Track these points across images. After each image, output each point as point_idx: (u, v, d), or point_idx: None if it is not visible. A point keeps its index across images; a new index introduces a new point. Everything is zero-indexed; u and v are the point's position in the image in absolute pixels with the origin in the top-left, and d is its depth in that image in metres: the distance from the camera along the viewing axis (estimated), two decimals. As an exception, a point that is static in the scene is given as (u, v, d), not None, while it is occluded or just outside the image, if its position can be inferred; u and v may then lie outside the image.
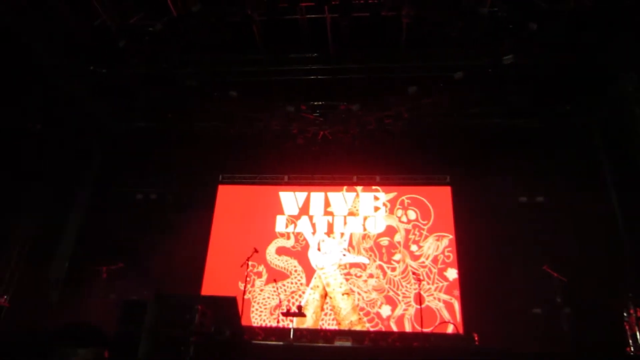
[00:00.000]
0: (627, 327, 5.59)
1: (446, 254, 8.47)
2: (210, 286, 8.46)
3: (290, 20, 8.04)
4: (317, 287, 8.36)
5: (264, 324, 8.23)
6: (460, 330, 7.72)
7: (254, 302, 8.47)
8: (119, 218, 8.70)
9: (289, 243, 8.92)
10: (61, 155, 8.40)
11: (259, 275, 8.69)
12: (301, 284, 8.54)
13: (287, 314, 6.94)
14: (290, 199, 9.36)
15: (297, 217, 9.15)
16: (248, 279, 7.33)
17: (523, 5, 7.31)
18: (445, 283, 8.25)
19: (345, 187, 9.32)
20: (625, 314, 5.66)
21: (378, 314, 8.15)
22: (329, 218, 9.07)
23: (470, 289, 8.00)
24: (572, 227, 7.85)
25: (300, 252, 8.81)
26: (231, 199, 9.47)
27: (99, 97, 9.16)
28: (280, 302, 8.17)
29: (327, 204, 9.24)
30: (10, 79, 7.26)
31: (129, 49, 8.19)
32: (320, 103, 9.19)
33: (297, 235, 8.97)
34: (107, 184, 9.21)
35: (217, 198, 9.41)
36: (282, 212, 9.24)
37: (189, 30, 7.93)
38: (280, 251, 8.87)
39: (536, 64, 7.93)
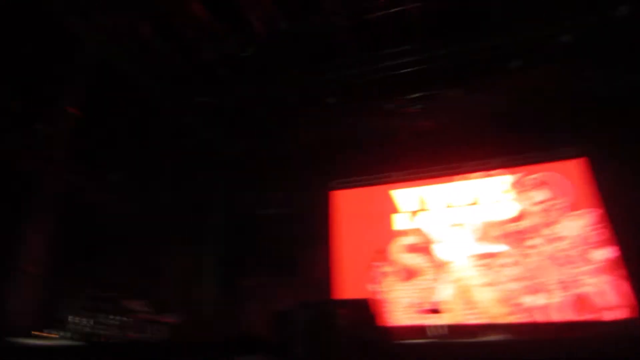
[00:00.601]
0: None
1: (591, 232, 7.64)
2: (342, 291, 8.57)
3: (375, 18, 8.14)
4: (452, 281, 8.18)
5: (401, 324, 8.12)
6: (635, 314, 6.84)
7: (388, 302, 8.42)
8: (249, 237, 9.26)
9: (413, 240, 8.83)
10: (192, 186, 9.16)
11: (389, 275, 8.68)
12: (434, 280, 8.36)
13: (425, 311, 6.87)
14: (406, 195, 9.27)
15: (417, 213, 9.01)
16: (378, 280, 7.35)
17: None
18: (595, 265, 7.44)
19: (462, 176, 8.97)
20: None
21: (520, 305, 7.66)
22: (452, 209, 8.80)
23: (637, 266, 7.05)
24: None
25: (426, 248, 8.64)
26: (346, 204, 9.61)
27: (211, 125, 9.89)
28: (415, 300, 8.11)
29: (446, 195, 8.98)
30: (134, 122, 8.04)
31: (231, 77, 8.80)
32: (420, 94, 9.16)
33: (420, 231, 8.83)
34: (232, 205, 9.84)
35: (332, 205, 9.61)
36: (399, 210, 9.16)
37: (279, 49, 8.36)
38: (406, 249, 8.80)
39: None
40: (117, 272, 6.16)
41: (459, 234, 8.51)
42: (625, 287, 7.10)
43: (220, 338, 5.97)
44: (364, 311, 6.09)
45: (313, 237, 8.96)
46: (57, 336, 4.63)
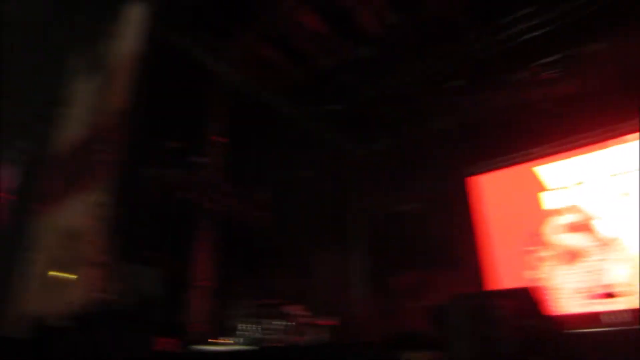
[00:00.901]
0: None
1: None
2: (495, 281, 8.18)
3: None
4: (623, 259, 7.26)
5: (570, 312, 7.41)
6: None
7: (550, 289, 7.75)
8: (392, 235, 9.36)
9: (569, 218, 8.03)
10: (332, 193, 9.60)
11: (545, 259, 8.01)
12: (601, 260, 7.47)
13: (597, 296, 6.21)
14: (553, 170, 8.48)
15: (569, 188, 8.19)
16: (534, 266, 6.83)
17: None
18: None
19: (618, 139, 7.93)
20: None
21: None
22: (611, 179, 7.82)
23: None
24: None
25: (587, 225, 7.79)
26: (487, 189, 9.14)
27: (341, 130, 10.26)
28: (582, 284, 7.35)
29: (601, 164, 8.02)
30: (269, 141, 8.68)
31: (352, 81, 9.03)
32: (555, 57, 8.25)
33: (576, 208, 8.00)
34: (371, 205, 10.06)
35: (472, 191, 9.22)
36: (548, 188, 8.42)
37: (395, 42, 8.32)
38: (564, 229, 8.06)
39: None
40: (274, 281, 6.74)
41: (625, 204, 7.46)
42: None
43: (380, 337, 6.13)
44: (526, 300, 5.73)
45: (457, 227, 8.69)
46: (231, 342, 5.22)
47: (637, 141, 7.71)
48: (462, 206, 9.06)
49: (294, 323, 5.51)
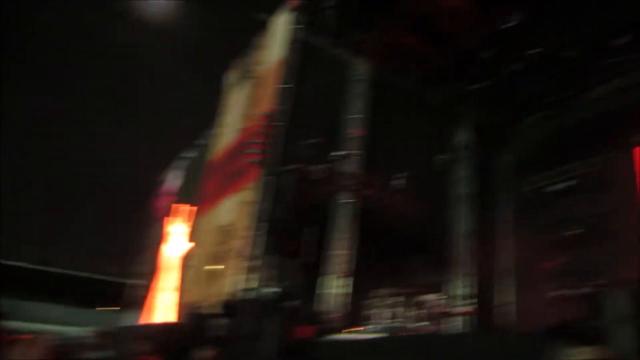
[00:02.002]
0: None
1: None
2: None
3: None
4: None
5: None
6: None
7: None
8: (541, 216, 8.42)
9: None
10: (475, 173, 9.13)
11: None
12: None
13: None
14: None
15: None
16: None
17: None
18: None
19: None
20: None
21: None
22: None
23: None
24: None
25: None
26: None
27: (489, 109, 9.59)
28: None
29: None
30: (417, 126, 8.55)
31: (497, 55, 8.41)
32: None
33: None
34: (520, 186, 9.20)
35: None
36: None
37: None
38: None
39: None
40: (411, 269, 6.63)
41: None
42: None
43: (529, 328, 5.61)
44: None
45: (620, 204, 7.39)
46: (366, 331, 5.34)
47: None
48: (627, 180, 7.64)
49: (428, 312, 5.39)
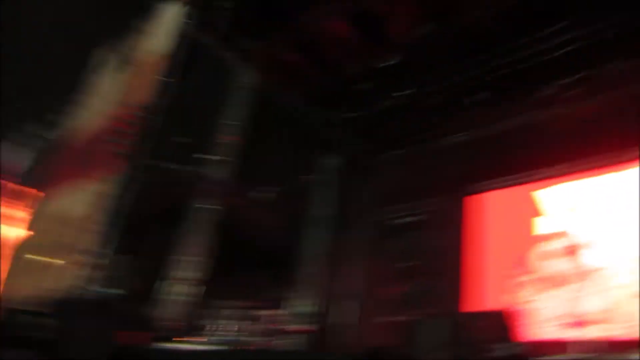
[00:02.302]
0: None
1: None
2: (476, 302, 7.93)
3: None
4: (601, 290, 6.84)
5: (542, 338, 7.10)
6: None
7: (528, 314, 7.50)
8: (387, 246, 9.22)
9: (558, 245, 7.63)
10: (334, 197, 9.57)
11: (529, 284, 7.70)
12: (581, 290, 7.14)
13: (569, 325, 5.92)
14: (552, 195, 8.08)
15: (563, 214, 7.83)
16: (516, 290, 6.56)
17: None
18: None
19: (622, 166, 7.43)
20: None
21: None
22: (606, 208, 7.42)
23: None
24: None
25: (573, 253, 7.42)
26: (486, 208, 8.83)
27: (357, 138, 10.20)
28: (558, 312, 7.01)
29: (601, 191, 7.61)
30: (283, 142, 8.76)
31: (374, 88, 8.98)
32: (578, 76, 7.86)
33: (567, 235, 7.62)
34: (372, 216, 9.95)
35: (471, 209, 8.91)
36: (543, 212, 8.05)
37: (423, 52, 8.22)
38: (549, 255, 7.67)
39: None
40: (261, 283, 6.75)
41: (614, 236, 7.09)
42: None
43: (356, 350, 6.04)
44: (499, 324, 5.49)
45: (447, 244, 8.46)
46: (202, 341, 5.29)
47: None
48: (456, 223, 8.78)
49: (270, 327, 5.52)
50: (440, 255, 8.35)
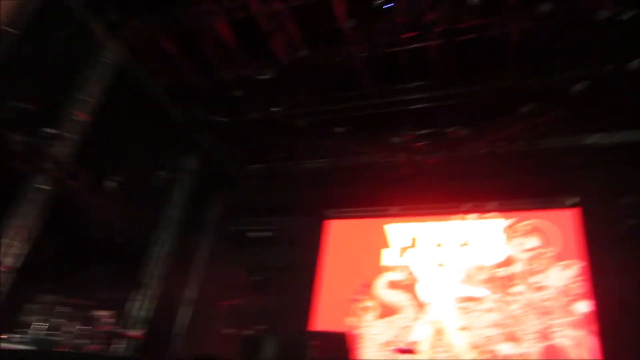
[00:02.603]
0: None
1: (575, 284, 7.57)
2: (320, 322, 8.48)
3: (393, 53, 8.19)
4: (430, 322, 7.94)
5: None
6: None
7: (363, 338, 8.28)
8: (236, 257, 9.26)
9: (399, 276, 8.66)
10: (188, 200, 9.24)
11: (368, 310, 8.50)
12: (413, 319, 8.18)
13: (399, 350, 6.67)
14: (398, 231, 9.15)
15: (406, 250, 8.88)
16: (358, 314, 7.20)
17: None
18: (575, 317, 7.37)
19: (457, 216, 8.86)
20: None
21: (496, 352, 7.50)
22: (441, 249, 8.68)
23: (609, 323, 7.03)
24: None
25: (410, 286, 8.49)
26: (339, 234, 9.53)
27: (220, 144, 10.04)
28: (391, 338, 7.88)
29: (437, 234, 8.86)
30: (141, 132, 8.20)
31: (244, 98, 8.93)
32: (428, 131, 9.06)
33: (407, 269, 8.69)
34: (226, 225, 9.90)
35: (325, 233, 9.53)
36: (390, 245, 9.04)
37: (296, 74, 8.45)
38: (390, 285, 8.63)
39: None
40: (92, 280, 6.16)
41: (445, 274, 8.37)
42: (596, 343, 7.07)
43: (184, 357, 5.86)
44: (337, 345, 5.94)
45: (301, 263, 8.88)
46: (15, 339, 4.63)
47: (473, 221, 8.69)
48: (312, 245, 9.29)
49: (96, 330, 5.06)
50: (291, 273, 8.61)
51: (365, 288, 7.04)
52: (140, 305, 7.35)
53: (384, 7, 6.91)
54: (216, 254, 9.39)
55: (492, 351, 7.52)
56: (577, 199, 8.17)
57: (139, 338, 5.73)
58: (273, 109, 9.12)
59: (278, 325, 7.26)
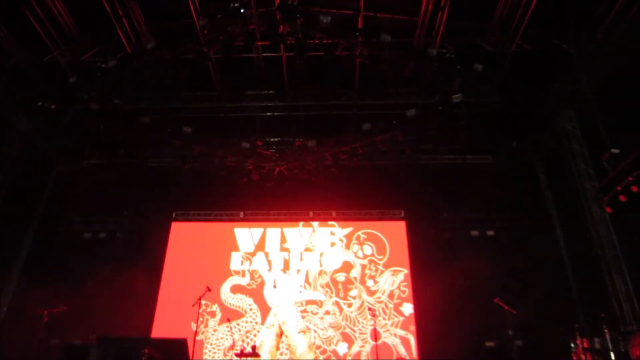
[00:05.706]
0: (574, 358, 5.70)
1: (402, 288, 8.47)
2: (162, 327, 8.16)
3: (246, 58, 8.26)
4: (273, 325, 8.09)
5: None
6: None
7: (207, 343, 8.19)
8: (65, 258, 8.36)
9: (244, 281, 8.73)
10: (5, 194, 8.06)
11: (213, 314, 8.41)
12: (256, 323, 8.30)
13: (241, 354, 6.68)
14: (245, 235, 9.20)
15: (253, 254, 8.98)
16: (201, 318, 7.03)
17: (469, 47, 7.78)
18: (401, 318, 8.23)
19: (301, 223, 9.24)
20: (572, 345, 5.76)
21: (335, 352, 8.02)
22: (285, 254, 8.94)
23: (426, 323, 8.02)
24: (522, 260, 8.12)
25: (255, 290, 8.60)
26: (185, 236, 9.23)
27: (49, 134, 8.97)
28: (234, 342, 7.86)
29: (283, 240, 9.13)
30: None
31: (80, 85, 8.11)
32: (276, 139, 9.37)
33: (252, 273, 8.78)
34: (55, 223, 8.88)
35: (170, 235, 9.13)
36: (237, 249, 9.05)
37: (143, 67, 7.97)
38: (235, 289, 8.65)
39: (484, 102, 8.46)
40: None
41: (289, 279, 8.64)
42: (413, 342, 8.02)
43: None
44: (177, 352, 5.70)
45: (142, 267, 8.39)
46: None
47: (317, 228, 9.17)
48: (158, 246, 8.85)
49: None
50: (130, 277, 8.00)
51: (211, 292, 6.89)
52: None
53: (241, 10, 6.91)
54: (40, 255, 8.33)
55: (333, 351, 8.02)
56: (402, 213, 9.16)
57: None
58: (115, 101, 8.41)
59: (115, 332, 6.68)
